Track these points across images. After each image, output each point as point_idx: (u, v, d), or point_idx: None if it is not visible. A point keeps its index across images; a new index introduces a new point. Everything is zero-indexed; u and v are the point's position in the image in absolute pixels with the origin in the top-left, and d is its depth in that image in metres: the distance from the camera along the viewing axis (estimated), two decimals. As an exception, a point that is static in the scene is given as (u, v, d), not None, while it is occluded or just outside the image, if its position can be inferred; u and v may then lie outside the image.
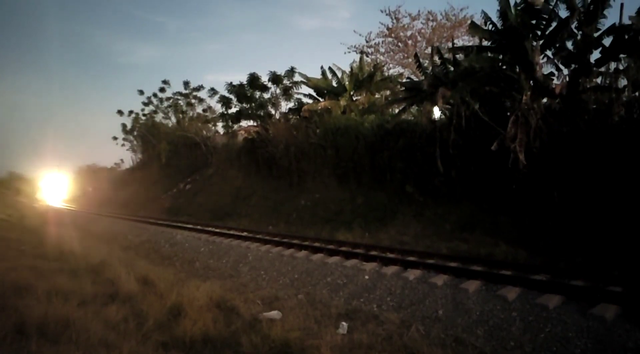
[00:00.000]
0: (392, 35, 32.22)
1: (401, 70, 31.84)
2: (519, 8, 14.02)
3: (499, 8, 14.35)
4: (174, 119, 51.13)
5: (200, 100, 47.54)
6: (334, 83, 25.48)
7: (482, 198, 14.99)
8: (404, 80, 24.89)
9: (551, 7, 13.58)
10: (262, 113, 28.17)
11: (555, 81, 14.53)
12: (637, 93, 13.01)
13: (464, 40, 29.63)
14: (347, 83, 25.13)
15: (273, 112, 28.36)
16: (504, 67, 14.92)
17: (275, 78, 26.79)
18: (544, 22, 13.93)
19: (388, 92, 25.26)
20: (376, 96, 25.20)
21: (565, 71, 14.09)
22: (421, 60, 18.92)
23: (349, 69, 26.19)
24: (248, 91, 27.94)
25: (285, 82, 26.97)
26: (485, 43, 15.95)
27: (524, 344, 6.16)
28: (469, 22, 21.68)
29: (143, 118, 55.56)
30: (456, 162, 15.84)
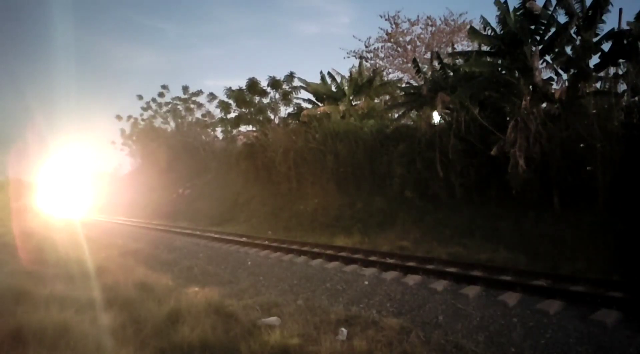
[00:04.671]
0: (392, 40, 32.22)
1: (400, 75, 31.88)
2: (518, 13, 14.07)
3: (498, 13, 14.41)
4: (172, 124, 51.16)
5: (199, 105, 47.57)
6: (333, 88, 25.44)
7: (481, 204, 14.97)
8: (404, 85, 24.91)
9: (550, 12, 13.63)
10: (261, 118, 28.13)
11: (554, 86, 14.58)
12: (636, 98, 13.03)
13: (463, 45, 29.64)
14: (346, 88, 25.10)
15: (272, 117, 28.33)
16: (503, 72, 14.94)
17: (274, 83, 26.76)
18: (543, 28, 13.97)
19: (387, 97, 25.20)
20: (375, 101, 25.14)
21: (565, 76, 14.14)
22: (420, 65, 18.94)
23: (348, 74, 26.16)
24: (247, 96, 27.90)
25: (285, 87, 26.93)
26: (484, 48, 16.00)
27: (525, 351, 6.12)
28: (468, 27, 21.75)
29: (142, 123, 55.55)
30: (456, 166, 15.81)
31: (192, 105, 48.30)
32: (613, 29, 13.30)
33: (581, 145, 13.11)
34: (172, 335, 6.17)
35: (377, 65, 31.69)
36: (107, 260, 13.47)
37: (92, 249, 16.21)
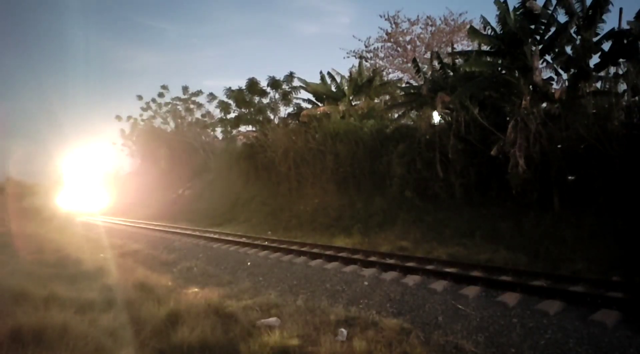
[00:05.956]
0: (391, 40, 32.24)
1: (400, 75, 31.91)
2: (518, 13, 14.06)
3: (498, 13, 14.40)
4: (172, 124, 51.09)
5: (199, 106, 47.55)
6: (333, 88, 25.44)
7: (481, 204, 14.94)
8: (403, 85, 24.90)
9: (550, 12, 13.63)
10: (261, 119, 28.13)
11: (554, 86, 14.56)
12: (636, 98, 13.01)
13: (463, 45, 29.68)
14: (346, 88, 25.09)
15: (272, 117, 28.34)
16: (503, 71, 14.93)
17: (274, 83, 26.78)
18: (543, 27, 13.97)
19: (387, 97, 25.18)
20: (375, 101, 25.13)
21: (565, 76, 14.13)
22: (420, 65, 18.93)
23: (348, 74, 26.20)
24: (247, 96, 27.93)
25: (284, 87, 26.95)
26: (484, 48, 15.98)
27: (525, 351, 6.10)
28: (468, 27, 21.72)
29: (141, 123, 55.48)
30: (456, 167, 15.79)
31: (191, 106, 48.28)
32: (613, 28, 13.30)
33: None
34: (171, 336, 6.15)
35: (377, 65, 31.73)
36: (107, 261, 13.46)
37: (91, 249, 16.21)
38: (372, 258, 11.97)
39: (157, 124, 52.86)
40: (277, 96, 27.60)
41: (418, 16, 32.39)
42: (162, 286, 9.72)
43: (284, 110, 28.21)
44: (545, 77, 14.29)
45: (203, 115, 47.05)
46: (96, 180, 67.79)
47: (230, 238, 18.37)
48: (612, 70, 13.44)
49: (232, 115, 29.84)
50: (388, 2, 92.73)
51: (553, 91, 14.52)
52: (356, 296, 9.12)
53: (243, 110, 28.69)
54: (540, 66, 14.01)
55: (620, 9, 13.22)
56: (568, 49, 13.80)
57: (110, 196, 57.77)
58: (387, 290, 9.15)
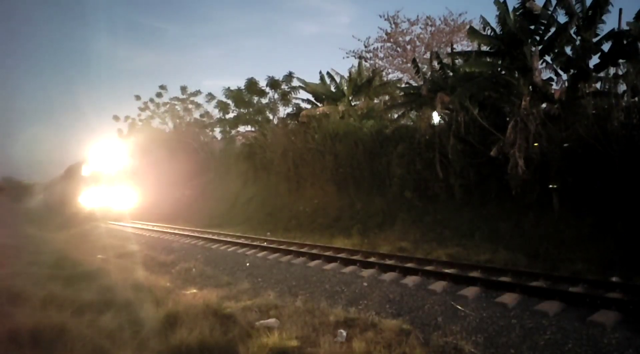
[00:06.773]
0: (391, 40, 32.19)
1: (400, 75, 31.85)
2: (517, 13, 14.05)
3: (497, 13, 14.38)
4: (170, 125, 50.94)
5: (198, 106, 47.39)
6: (333, 89, 25.41)
7: (481, 204, 14.94)
8: (403, 86, 24.87)
9: (550, 12, 13.61)
10: (260, 119, 28.12)
11: (554, 86, 14.57)
12: (636, 99, 13.00)
13: (462, 45, 29.61)
14: (345, 88, 25.05)
15: (271, 117, 28.32)
16: (503, 72, 14.92)
17: (273, 83, 26.76)
18: (543, 28, 13.96)
19: (387, 97, 25.14)
20: (375, 101, 25.10)
21: (564, 76, 14.13)
22: (420, 65, 18.91)
23: (348, 74, 26.14)
24: (246, 96, 27.93)
25: (284, 87, 26.94)
26: (484, 48, 15.97)
27: (524, 352, 6.08)
28: (467, 27, 21.69)
29: (139, 123, 55.27)
30: (455, 167, 15.78)
31: (190, 106, 48.12)
32: (613, 29, 13.29)
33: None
34: (170, 337, 6.13)
35: (377, 65, 31.68)
36: (105, 261, 13.44)
37: (89, 250, 16.20)
38: (372, 259, 11.95)
39: (155, 124, 52.73)
40: (276, 96, 27.61)
41: (418, 16, 32.38)
42: (160, 287, 9.70)
43: (283, 111, 28.25)
44: (545, 78, 14.32)
45: (202, 115, 46.93)
46: (96, 181, 67.50)
47: (229, 239, 18.35)
48: (612, 70, 13.44)
49: (231, 115, 29.84)
50: (388, 2, 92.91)
51: (553, 91, 14.52)
52: (355, 297, 9.10)
53: (242, 110, 28.68)
54: (540, 66, 14.00)
55: (620, 10, 13.23)
56: (568, 50, 13.80)
57: (109, 197, 57.41)
58: (387, 291, 9.14)
